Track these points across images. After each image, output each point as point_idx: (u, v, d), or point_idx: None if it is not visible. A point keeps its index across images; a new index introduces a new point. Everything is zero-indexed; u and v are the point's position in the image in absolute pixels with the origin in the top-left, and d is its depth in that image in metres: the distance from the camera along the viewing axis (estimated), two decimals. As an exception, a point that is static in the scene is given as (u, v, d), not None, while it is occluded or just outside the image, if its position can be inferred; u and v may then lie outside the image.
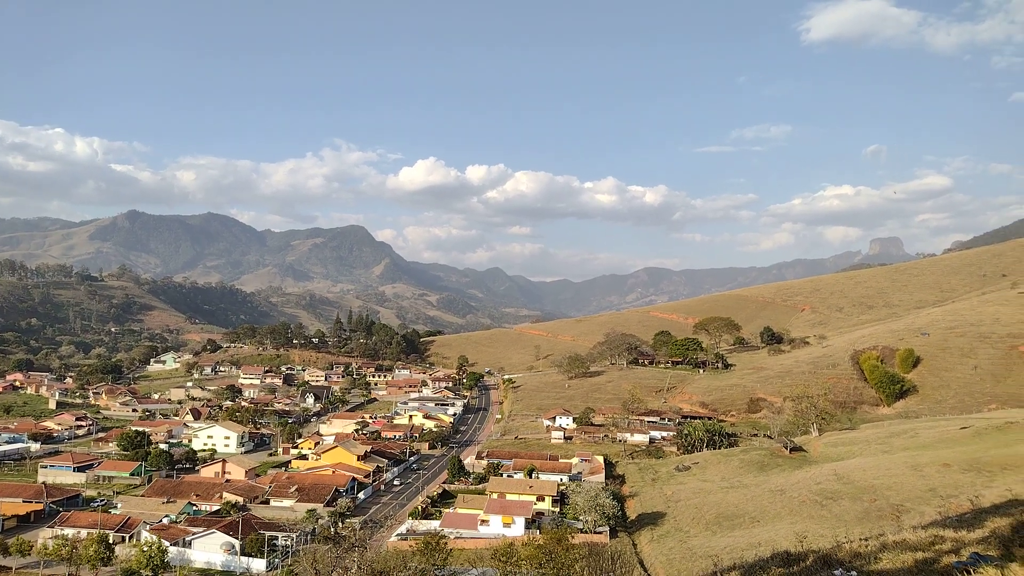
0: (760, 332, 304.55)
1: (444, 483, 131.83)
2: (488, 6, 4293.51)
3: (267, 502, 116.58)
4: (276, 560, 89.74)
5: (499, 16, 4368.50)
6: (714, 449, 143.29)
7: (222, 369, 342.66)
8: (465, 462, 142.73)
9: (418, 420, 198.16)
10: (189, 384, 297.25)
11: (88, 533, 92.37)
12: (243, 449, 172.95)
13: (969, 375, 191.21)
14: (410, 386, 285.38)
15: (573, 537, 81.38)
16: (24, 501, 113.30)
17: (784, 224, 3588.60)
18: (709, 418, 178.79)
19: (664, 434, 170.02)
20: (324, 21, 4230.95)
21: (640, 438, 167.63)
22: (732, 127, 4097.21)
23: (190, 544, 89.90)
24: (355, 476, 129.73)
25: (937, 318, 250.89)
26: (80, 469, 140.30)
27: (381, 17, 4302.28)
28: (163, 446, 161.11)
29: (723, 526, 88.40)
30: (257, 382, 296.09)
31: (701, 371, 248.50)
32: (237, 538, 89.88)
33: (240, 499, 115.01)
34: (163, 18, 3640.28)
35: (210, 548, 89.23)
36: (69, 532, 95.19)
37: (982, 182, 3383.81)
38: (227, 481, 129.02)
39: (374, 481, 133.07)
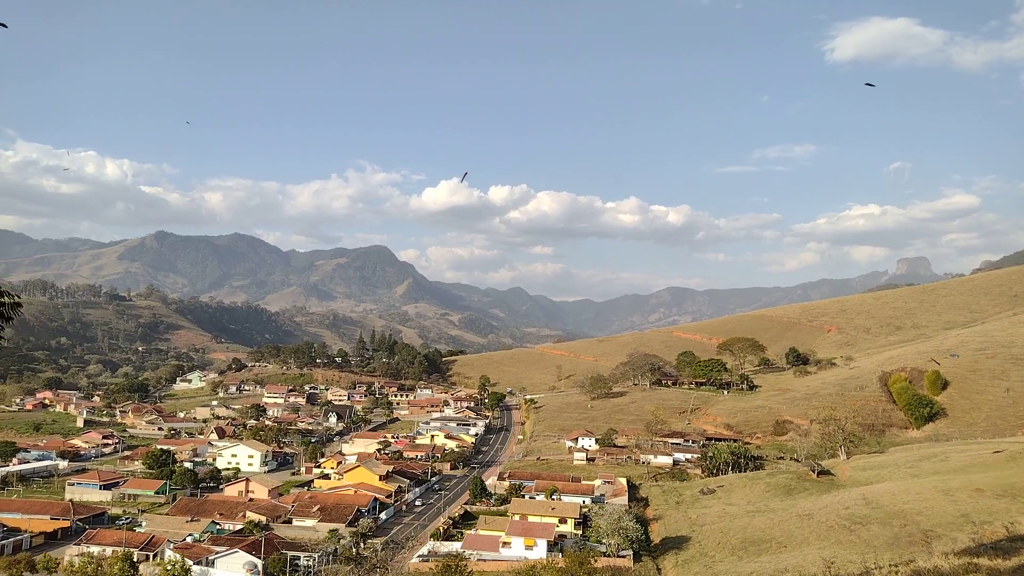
0: (785, 353, 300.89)
1: (466, 504, 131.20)
2: (513, 27, 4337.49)
3: (289, 521, 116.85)
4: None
5: (523, 37, 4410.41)
6: (739, 472, 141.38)
7: (247, 388, 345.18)
8: (487, 483, 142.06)
9: (440, 440, 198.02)
10: (214, 403, 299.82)
11: (113, 551, 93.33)
12: (266, 468, 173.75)
13: (1001, 398, 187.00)
14: (432, 406, 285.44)
15: (596, 561, 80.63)
16: (52, 518, 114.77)
17: (809, 244, 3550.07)
18: (734, 440, 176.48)
19: (688, 456, 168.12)
20: (347, 42, 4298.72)
21: (664, 460, 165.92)
22: (755, 146, 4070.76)
23: (213, 563, 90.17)
24: (377, 496, 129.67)
25: (967, 339, 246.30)
26: (106, 487, 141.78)
27: (404, 39, 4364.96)
28: (188, 465, 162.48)
29: (749, 551, 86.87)
30: (281, 401, 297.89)
31: (725, 392, 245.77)
32: (260, 558, 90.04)
33: (263, 518, 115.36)
34: (192, 40, 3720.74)
35: (233, 567, 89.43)
36: (95, 550, 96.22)
37: (1012, 201, 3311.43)
38: (250, 500, 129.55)
39: (396, 501, 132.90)
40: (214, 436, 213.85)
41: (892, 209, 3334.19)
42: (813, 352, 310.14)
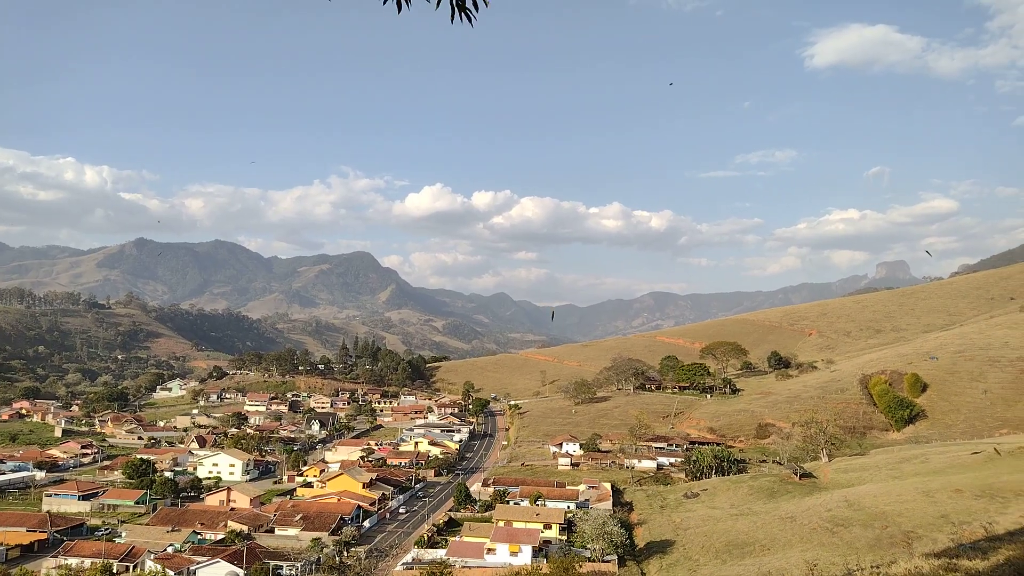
0: (767, 357, 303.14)
1: (450, 511, 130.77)
2: (495, 34, 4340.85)
3: (272, 531, 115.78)
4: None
5: (505, 43, 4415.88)
6: (723, 475, 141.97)
7: (228, 396, 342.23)
8: (471, 489, 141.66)
9: (424, 447, 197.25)
10: (195, 411, 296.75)
11: (92, 563, 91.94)
12: (248, 477, 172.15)
13: (979, 399, 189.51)
14: (416, 412, 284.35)
15: (581, 566, 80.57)
16: (28, 530, 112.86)
17: (790, 248, 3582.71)
18: (717, 444, 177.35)
19: (672, 460, 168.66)
20: (330, 49, 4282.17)
21: (648, 464, 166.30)
22: (737, 152, 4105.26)
23: (194, 573, 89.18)
24: (360, 504, 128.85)
25: (946, 342, 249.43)
26: (85, 497, 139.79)
27: (387, 45, 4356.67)
28: (168, 474, 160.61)
29: (733, 554, 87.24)
30: (263, 409, 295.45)
31: (708, 396, 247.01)
32: (241, 567, 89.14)
33: (245, 528, 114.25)
34: (172, 46, 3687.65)
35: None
36: (73, 562, 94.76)
37: (989, 205, 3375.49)
38: (232, 509, 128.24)
39: (379, 509, 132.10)
40: (195, 445, 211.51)
41: (872, 214, 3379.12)
42: (794, 356, 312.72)
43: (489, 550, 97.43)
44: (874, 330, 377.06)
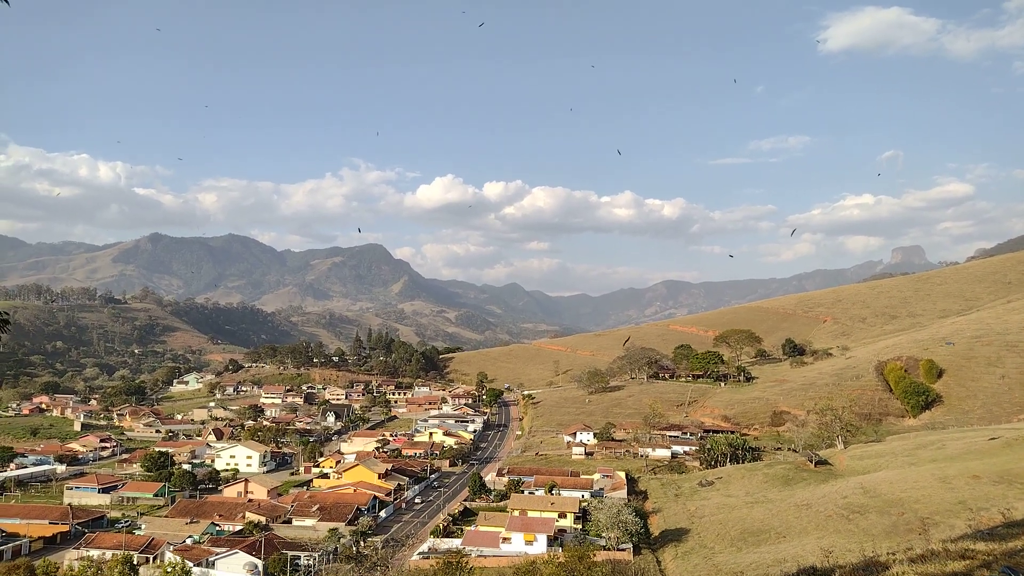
0: (782, 344, 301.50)
1: (465, 500, 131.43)
2: (505, 22, 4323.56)
3: (289, 521, 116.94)
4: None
5: (515, 33, 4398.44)
6: (737, 463, 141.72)
7: (244, 389, 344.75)
8: (486, 479, 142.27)
9: (438, 437, 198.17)
10: (211, 404, 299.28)
11: (113, 554, 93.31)
12: (265, 468, 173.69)
13: (996, 385, 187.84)
14: (430, 403, 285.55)
15: (596, 554, 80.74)
16: (50, 523, 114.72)
17: (804, 234, 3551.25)
18: (732, 432, 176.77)
19: (686, 449, 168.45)
20: (340, 42, 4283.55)
21: (662, 453, 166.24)
22: (749, 138, 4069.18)
23: (213, 564, 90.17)
24: (376, 494, 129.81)
25: (962, 327, 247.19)
26: (105, 490, 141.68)
27: (397, 37, 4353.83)
28: (186, 466, 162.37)
29: (748, 542, 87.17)
30: (278, 401, 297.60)
31: (723, 384, 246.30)
32: (260, 558, 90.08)
33: (262, 519, 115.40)
34: (182, 42, 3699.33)
35: (233, 568, 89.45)
36: (94, 553, 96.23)
37: (1005, 188, 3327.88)
38: (249, 501, 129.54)
39: (395, 499, 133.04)
40: (212, 437, 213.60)
41: (886, 199, 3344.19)
42: (809, 343, 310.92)
43: (504, 539, 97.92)
44: (889, 316, 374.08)
